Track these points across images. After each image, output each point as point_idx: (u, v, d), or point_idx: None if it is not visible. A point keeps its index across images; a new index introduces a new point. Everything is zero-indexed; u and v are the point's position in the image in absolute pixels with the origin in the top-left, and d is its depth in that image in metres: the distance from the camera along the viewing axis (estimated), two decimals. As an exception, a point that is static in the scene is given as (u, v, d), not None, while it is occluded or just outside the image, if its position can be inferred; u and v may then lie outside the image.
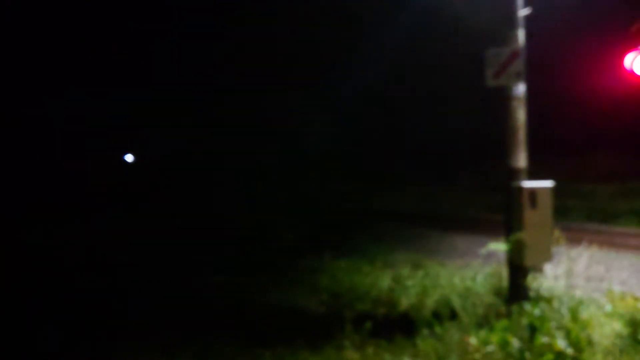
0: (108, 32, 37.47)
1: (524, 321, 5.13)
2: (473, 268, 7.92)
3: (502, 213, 6.39)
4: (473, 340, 4.99)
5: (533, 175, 6.47)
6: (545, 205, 6.16)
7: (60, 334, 6.40)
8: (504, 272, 6.35)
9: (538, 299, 5.86)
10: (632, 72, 6.67)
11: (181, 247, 12.24)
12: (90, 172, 35.35)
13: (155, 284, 8.77)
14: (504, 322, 5.25)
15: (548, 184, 6.25)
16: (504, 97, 6.32)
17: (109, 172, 37.02)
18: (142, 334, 6.39)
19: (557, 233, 6.40)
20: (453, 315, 5.87)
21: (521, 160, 6.30)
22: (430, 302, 6.54)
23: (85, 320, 6.94)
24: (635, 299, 5.84)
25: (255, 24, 32.20)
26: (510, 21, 6.26)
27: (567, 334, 4.78)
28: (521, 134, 6.31)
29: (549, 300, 5.74)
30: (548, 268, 6.75)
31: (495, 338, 4.91)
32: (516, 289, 6.08)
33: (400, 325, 5.97)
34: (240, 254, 11.01)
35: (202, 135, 37.45)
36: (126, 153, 42.77)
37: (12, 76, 34.56)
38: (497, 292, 6.32)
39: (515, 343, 4.79)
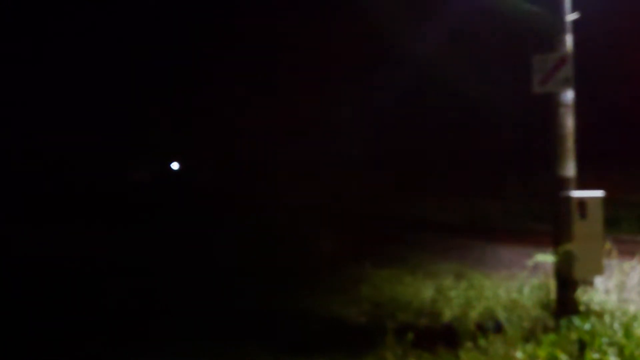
0: (145, 41, 38.60)
1: (573, 336, 4.95)
2: (519, 280, 7.68)
3: (550, 223, 6.20)
4: (519, 355, 4.85)
5: (582, 185, 6.27)
6: (596, 216, 5.96)
7: (88, 338, 6.52)
8: (552, 285, 6.16)
9: (588, 313, 5.66)
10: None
11: (215, 251, 12.38)
12: (138, 180, 36.38)
13: (188, 289, 8.86)
14: (551, 337, 5.08)
15: (598, 193, 6.04)
16: (551, 104, 6.16)
17: (156, 181, 38.04)
18: (174, 339, 6.46)
19: (608, 245, 6.17)
20: (498, 328, 5.71)
21: (570, 169, 6.11)
22: (474, 314, 6.39)
23: (115, 326, 7.04)
24: (694, 315, 5.55)
25: (291, 23, 32.36)
26: (558, 26, 6.11)
27: (620, 351, 4.58)
28: (569, 142, 6.12)
29: (600, 315, 5.53)
30: (599, 281, 6.50)
31: (542, 353, 4.75)
32: (565, 302, 5.89)
33: (443, 336, 5.86)
34: (276, 261, 11.04)
35: (240, 139, 38.00)
36: (172, 161, 43.88)
37: (61, 88, 36.03)
38: (545, 306, 6.13)
39: (563, 358, 4.62)
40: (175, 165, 44.12)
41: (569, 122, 6.12)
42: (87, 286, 9.30)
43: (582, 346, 4.72)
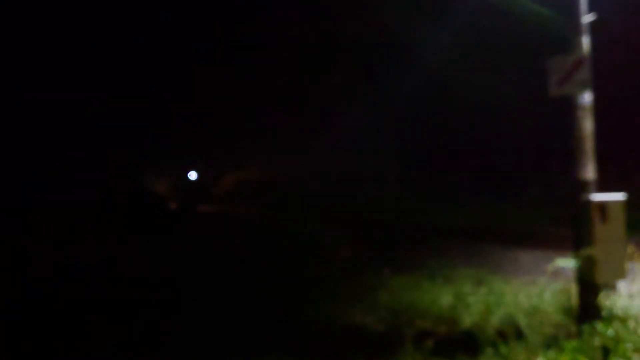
0: (166, 53, 39.12)
1: (596, 342, 4.86)
2: (540, 285, 7.57)
3: (570, 228, 6.11)
4: (541, 361, 4.77)
5: (603, 188, 6.17)
6: (617, 219, 5.85)
7: (105, 345, 6.56)
8: (573, 290, 6.05)
9: (611, 318, 5.54)
10: None
11: (235, 260, 12.40)
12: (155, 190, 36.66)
13: (208, 297, 8.87)
14: (574, 343, 4.99)
15: (619, 196, 5.93)
16: (569, 106, 6.09)
17: (174, 190, 38.34)
18: (194, 346, 6.47)
19: (630, 248, 6.06)
20: (519, 335, 5.63)
21: (589, 171, 6.02)
22: (495, 320, 6.30)
23: (135, 334, 7.07)
24: None
25: (306, 31, 32.43)
26: (574, 28, 6.05)
27: (645, 357, 4.48)
28: (589, 145, 6.04)
29: (623, 320, 5.42)
30: (622, 286, 6.38)
31: (565, 359, 4.67)
32: (587, 307, 5.78)
33: (463, 344, 5.78)
34: (294, 270, 11.02)
35: (256, 148, 38.21)
36: (190, 171, 44.17)
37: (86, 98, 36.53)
38: (566, 311, 6.02)
39: (587, 365, 4.54)
40: (193, 175, 44.41)
41: (588, 125, 6.04)
42: (108, 296, 9.38)
43: (606, 352, 4.64)
